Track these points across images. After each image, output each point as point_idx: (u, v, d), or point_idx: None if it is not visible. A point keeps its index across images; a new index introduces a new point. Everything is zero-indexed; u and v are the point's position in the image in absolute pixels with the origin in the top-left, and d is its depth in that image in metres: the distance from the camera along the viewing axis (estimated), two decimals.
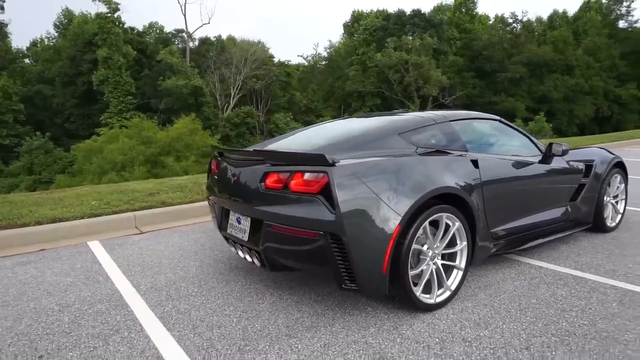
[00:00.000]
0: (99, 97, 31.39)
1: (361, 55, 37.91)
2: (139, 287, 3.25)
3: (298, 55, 42.13)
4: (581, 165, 4.05)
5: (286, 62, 39.60)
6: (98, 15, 29.65)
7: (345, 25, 42.67)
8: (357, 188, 2.43)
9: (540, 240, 3.66)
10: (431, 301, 2.72)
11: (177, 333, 2.54)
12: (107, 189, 6.50)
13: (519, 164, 3.46)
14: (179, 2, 39.02)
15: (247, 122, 31.62)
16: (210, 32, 54.20)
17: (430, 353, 2.27)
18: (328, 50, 41.81)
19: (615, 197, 4.48)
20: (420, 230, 2.61)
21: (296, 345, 2.38)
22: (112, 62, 28.95)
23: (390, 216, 2.45)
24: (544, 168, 3.64)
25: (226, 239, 3.23)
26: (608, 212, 4.35)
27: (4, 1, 33.15)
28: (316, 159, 2.47)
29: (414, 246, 2.59)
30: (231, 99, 33.07)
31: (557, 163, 3.79)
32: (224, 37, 39.70)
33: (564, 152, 3.69)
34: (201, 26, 49.66)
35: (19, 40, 47.76)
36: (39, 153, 28.19)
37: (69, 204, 5.38)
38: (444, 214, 2.72)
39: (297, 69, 41.84)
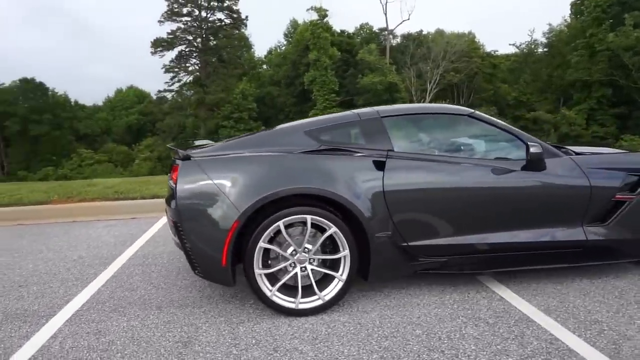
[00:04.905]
0: (310, 96, 35.48)
1: (589, 37, 31.92)
2: None
3: (510, 44, 37.84)
4: (617, 176, 2.94)
5: (492, 53, 36.45)
6: (310, 22, 33.44)
7: (574, 4, 36.47)
8: (200, 181, 2.56)
9: (527, 267, 2.93)
10: (292, 305, 2.61)
11: None
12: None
13: (476, 170, 2.81)
14: (380, 2, 40.03)
15: None
16: (413, 28, 53.62)
17: (230, 351, 2.27)
18: (547, 36, 36.57)
19: None
20: (273, 230, 2.53)
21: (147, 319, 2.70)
22: (319, 63, 32.28)
23: (229, 211, 2.49)
24: (522, 176, 2.83)
25: None
26: None
27: (247, 19, 40.62)
28: (178, 153, 2.71)
29: (264, 245, 2.53)
30: (427, 93, 32.64)
31: (559, 170, 2.88)
32: (431, 31, 39.22)
33: (533, 157, 2.77)
34: (401, 23, 49.93)
35: (261, 50, 58.00)
36: None
37: None
38: (309, 216, 2.55)
39: (508, 58, 38.04)
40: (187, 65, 42.66)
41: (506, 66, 37.26)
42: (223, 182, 2.55)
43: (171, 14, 40.25)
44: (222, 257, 2.52)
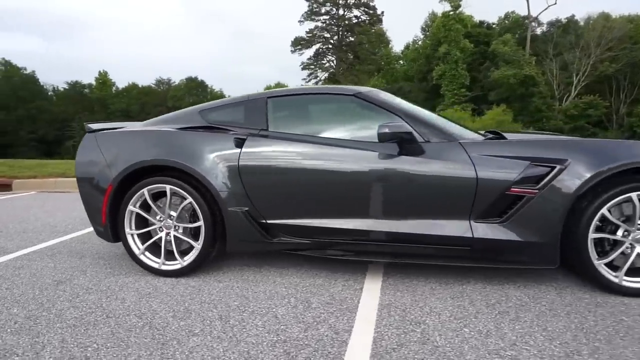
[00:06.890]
0: (440, 90, 34.16)
1: None
2: None
3: None
4: (515, 166, 2.49)
5: None
6: (442, 13, 32.03)
7: None
8: (92, 150, 3.03)
9: (403, 261, 2.75)
10: (156, 266, 2.91)
11: None
12: None
13: (342, 152, 2.69)
14: None
15: (589, 114, 26.60)
16: (561, 14, 45.69)
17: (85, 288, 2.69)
18: None
19: None
20: (141, 196, 2.86)
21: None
22: (449, 57, 30.81)
23: (106, 177, 2.92)
24: (392, 162, 2.61)
25: None
26: (630, 257, 2.41)
27: (383, 14, 40.72)
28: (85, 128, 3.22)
29: (133, 208, 2.88)
30: (573, 87, 28.56)
31: (440, 156, 2.58)
32: (591, 15, 34.04)
33: (381, 138, 2.51)
34: (546, 8, 42.54)
35: (399, 45, 57.49)
36: None
37: None
38: (168, 186, 2.81)
39: None
40: (323, 62, 44.72)
41: None
42: (108, 152, 2.98)
43: (311, 14, 42.66)
44: (102, 216, 2.95)
